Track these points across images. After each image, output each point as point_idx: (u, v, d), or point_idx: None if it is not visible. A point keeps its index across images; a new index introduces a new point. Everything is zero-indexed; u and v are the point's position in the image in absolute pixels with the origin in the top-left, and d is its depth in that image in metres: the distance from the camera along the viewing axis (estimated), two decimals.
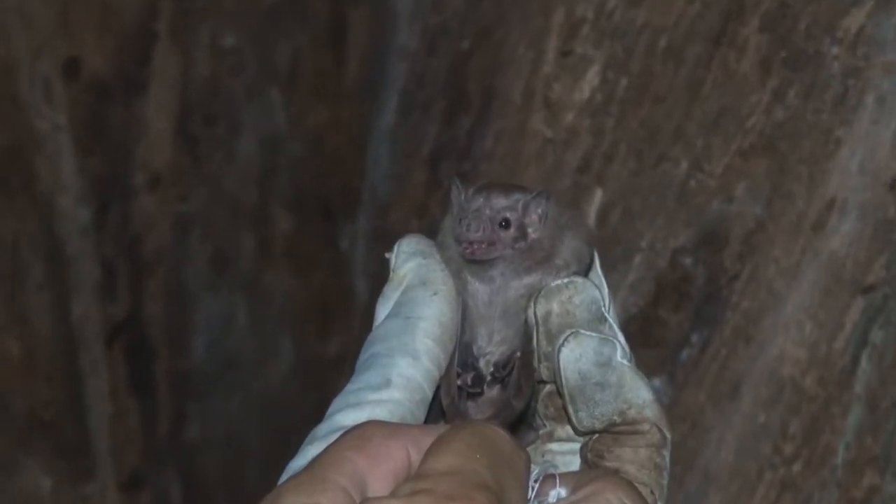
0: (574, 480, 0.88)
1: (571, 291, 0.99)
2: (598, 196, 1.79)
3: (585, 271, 1.03)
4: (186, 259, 2.36)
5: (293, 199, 2.38)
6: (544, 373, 1.00)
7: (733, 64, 1.68)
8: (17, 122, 2.23)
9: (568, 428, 0.99)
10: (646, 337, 1.72)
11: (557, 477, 0.87)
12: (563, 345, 0.96)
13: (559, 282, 1.00)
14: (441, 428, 0.86)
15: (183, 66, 2.31)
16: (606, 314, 0.98)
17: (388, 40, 2.20)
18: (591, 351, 0.95)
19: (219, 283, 2.39)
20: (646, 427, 0.96)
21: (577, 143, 1.82)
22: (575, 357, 0.95)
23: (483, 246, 1.01)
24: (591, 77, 1.82)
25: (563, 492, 0.86)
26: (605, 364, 0.95)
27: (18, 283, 2.26)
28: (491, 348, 1.02)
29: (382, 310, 1.00)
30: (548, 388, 1.01)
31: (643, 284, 1.73)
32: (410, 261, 1.01)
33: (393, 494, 0.79)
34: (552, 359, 0.97)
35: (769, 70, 1.65)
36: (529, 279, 1.02)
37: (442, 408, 1.02)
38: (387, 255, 1.02)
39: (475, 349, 1.02)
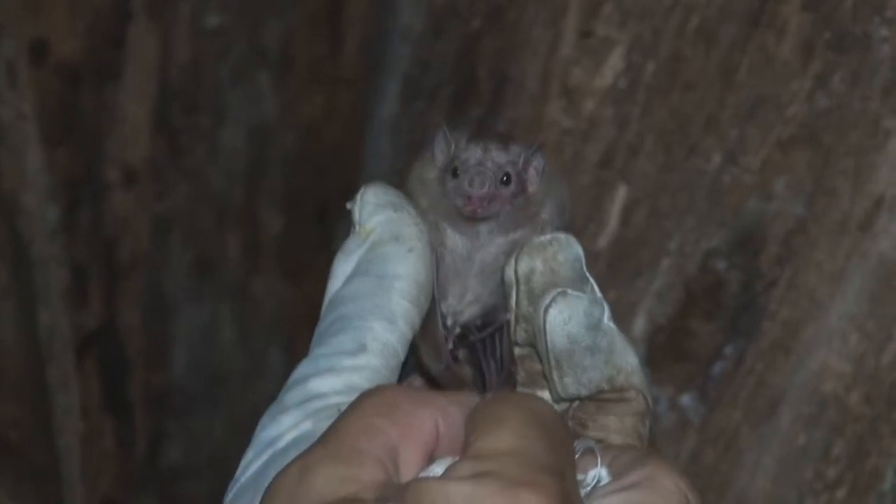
0: (615, 459, 0.89)
1: (556, 248, 1.01)
2: (621, 193, 1.81)
3: (565, 228, 1.06)
4: (166, 264, 2.38)
5: (284, 198, 2.40)
6: (520, 335, 1.02)
7: (772, 47, 1.70)
8: None
9: (545, 393, 1.01)
10: (675, 349, 1.73)
11: (598, 453, 0.89)
12: (550, 305, 0.98)
13: (542, 238, 1.02)
14: (468, 398, 0.87)
15: (161, 48, 2.33)
16: (587, 273, 1.01)
17: (389, 20, 2.22)
18: (581, 312, 0.98)
19: (202, 290, 2.40)
20: (632, 394, 0.99)
21: (598, 134, 1.84)
22: (564, 319, 0.98)
23: (485, 203, 1.04)
24: (615, 61, 1.84)
25: (603, 472, 0.88)
26: (595, 327, 0.98)
27: None
28: (461, 307, 1.06)
29: (343, 266, 1.02)
30: (519, 350, 1.03)
31: (672, 292, 1.75)
32: (379, 213, 1.02)
33: (450, 476, 0.80)
34: (532, 320, 0.99)
35: (812, 53, 1.67)
36: (515, 235, 1.05)
37: (414, 369, 1.05)
38: (348, 205, 1.03)
39: (444, 307, 1.05)
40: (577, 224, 1.81)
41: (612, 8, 1.84)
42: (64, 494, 2.35)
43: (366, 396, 0.86)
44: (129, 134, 2.33)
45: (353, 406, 0.85)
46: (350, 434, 0.83)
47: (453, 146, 1.05)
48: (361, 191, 1.03)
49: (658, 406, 1.72)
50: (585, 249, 1.76)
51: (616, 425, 0.99)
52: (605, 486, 0.87)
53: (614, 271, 1.77)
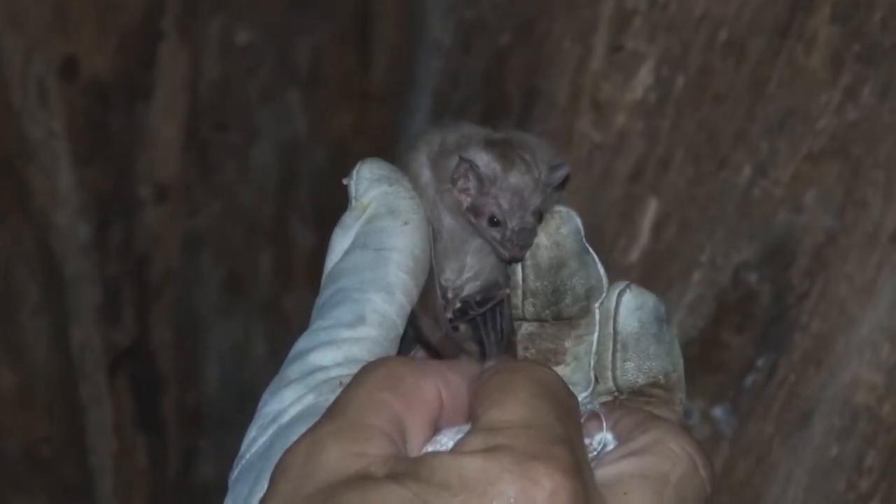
0: (618, 421, 0.91)
1: (558, 222, 1.04)
2: (652, 207, 1.82)
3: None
4: (197, 280, 2.39)
5: (315, 213, 2.40)
6: (528, 310, 1.04)
7: (801, 59, 1.72)
8: (7, 129, 2.26)
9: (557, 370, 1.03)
10: (706, 361, 1.74)
11: (603, 417, 0.90)
12: (624, 291, 1.02)
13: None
14: (469, 366, 0.89)
15: (191, 66, 2.34)
16: (587, 244, 1.03)
17: (419, 35, 2.23)
18: (651, 302, 1.02)
19: (233, 306, 2.41)
20: (678, 398, 1.02)
21: (628, 148, 1.85)
22: (637, 304, 1.02)
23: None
24: (644, 75, 1.86)
25: (609, 437, 0.89)
26: (662, 320, 1.02)
27: (12, 307, 2.29)
28: (459, 282, 1.07)
29: (341, 241, 1.03)
30: (528, 327, 1.06)
31: (703, 304, 1.76)
32: (375, 188, 1.03)
33: (461, 450, 0.81)
34: (540, 295, 1.02)
35: (841, 65, 1.69)
36: None
37: (414, 341, 1.07)
38: (344, 181, 1.04)
39: (442, 281, 1.06)
40: (608, 238, 1.83)
41: (641, 22, 1.86)
42: None
43: (369, 370, 0.86)
44: (160, 151, 2.34)
45: (357, 380, 0.86)
46: (356, 409, 0.83)
47: (487, 184, 1.04)
48: (357, 166, 1.04)
49: (690, 419, 1.73)
50: (616, 263, 1.79)
51: None
52: (611, 451, 0.89)
53: (645, 284, 1.76)
